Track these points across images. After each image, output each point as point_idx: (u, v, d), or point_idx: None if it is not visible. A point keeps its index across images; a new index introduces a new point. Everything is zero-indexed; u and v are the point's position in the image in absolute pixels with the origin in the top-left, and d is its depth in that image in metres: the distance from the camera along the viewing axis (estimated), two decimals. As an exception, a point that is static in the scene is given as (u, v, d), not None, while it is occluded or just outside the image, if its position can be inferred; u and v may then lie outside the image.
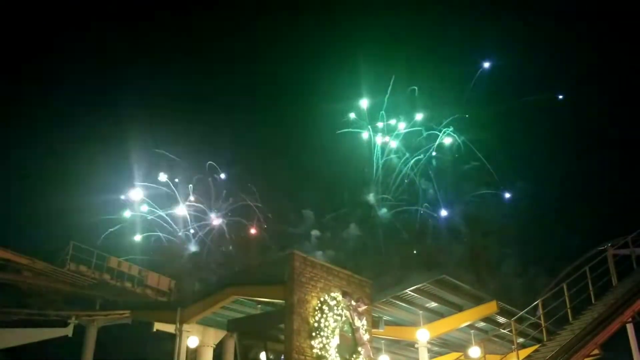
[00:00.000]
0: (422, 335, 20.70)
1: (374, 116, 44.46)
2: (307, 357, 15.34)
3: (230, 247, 41.92)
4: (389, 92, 42.97)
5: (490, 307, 20.35)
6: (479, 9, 46.08)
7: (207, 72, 51.62)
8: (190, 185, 43.78)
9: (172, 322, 19.17)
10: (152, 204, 42.01)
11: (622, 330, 17.74)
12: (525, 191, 41.09)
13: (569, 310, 17.21)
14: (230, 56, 52.53)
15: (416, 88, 42.99)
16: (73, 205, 37.98)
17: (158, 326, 20.11)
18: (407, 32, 45.49)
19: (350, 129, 44.49)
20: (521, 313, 19.51)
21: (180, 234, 42.00)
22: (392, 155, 43.44)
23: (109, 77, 47.99)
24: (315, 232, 42.15)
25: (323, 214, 43.69)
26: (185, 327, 19.11)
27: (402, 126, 43.22)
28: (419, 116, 42.68)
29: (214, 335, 21.04)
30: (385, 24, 48.38)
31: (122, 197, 41.82)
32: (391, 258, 37.86)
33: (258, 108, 49.61)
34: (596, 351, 20.04)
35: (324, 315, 16.05)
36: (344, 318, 16.74)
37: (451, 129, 42.63)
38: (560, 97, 41.21)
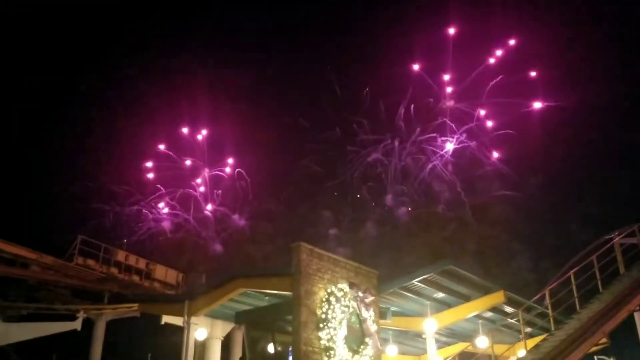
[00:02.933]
0: (430, 325, 20.72)
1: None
2: (315, 349, 15.39)
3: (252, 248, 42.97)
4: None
5: (497, 297, 20.32)
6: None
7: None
8: (220, 191, 45.25)
9: (180, 315, 19.24)
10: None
11: (630, 319, 17.75)
12: (536, 184, 41.18)
13: (576, 300, 17.21)
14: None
15: (432, 100, 43.98)
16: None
17: (166, 319, 20.22)
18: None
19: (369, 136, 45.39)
20: (529, 303, 19.51)
21: (203, 234, 43.11)
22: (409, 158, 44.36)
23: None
24: (333, 231, 43.08)
25: (342, 214, 44.59)
26: (194, 319, 19.18)
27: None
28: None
29: (222, 328, 21.12)
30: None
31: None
32: (407, 254, 38.43)
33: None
34: (604, 340, 20.06)
35: (331, 307, 16.09)
36: (351, 309, 16.78)
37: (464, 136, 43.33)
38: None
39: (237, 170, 45.46)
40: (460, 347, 24.24)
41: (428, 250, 38.83)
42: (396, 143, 44.24)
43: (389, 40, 44.70)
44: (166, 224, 42.54)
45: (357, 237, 42.17)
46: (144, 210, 42.52)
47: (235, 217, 44.67)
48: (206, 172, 45.58)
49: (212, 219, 44.18)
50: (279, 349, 19.19)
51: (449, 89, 43.39)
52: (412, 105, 43.87)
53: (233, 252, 42.81)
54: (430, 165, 43.28)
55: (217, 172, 45.88)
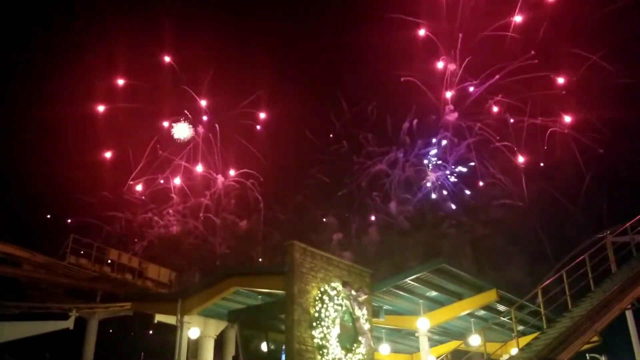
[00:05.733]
0: (423, 324, 20.77)
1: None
2: (308, 347, 15.39)
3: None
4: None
5: (490, 296, 20.39)
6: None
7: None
8: (233, 200, 46.18)
9: (173, 313, 19.18)
10: None
11: (622, 317, 17.82)
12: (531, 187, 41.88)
13: (568, 298, 17.26)
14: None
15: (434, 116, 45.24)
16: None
17: (159, 318, 20.16)
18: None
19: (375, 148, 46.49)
20: (521, 301, 19.57)
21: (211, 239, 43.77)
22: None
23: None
24: (337, 236, 43.95)
25: (348, 221, 45.54)
26: (186, 318, 19.12)
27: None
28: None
29: (215, 326, 21.11)
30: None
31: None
32: (409, 257, 39.12)
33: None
34: (595, 338, 20.13)
35: (325, 305, 16.09)
36: (344, 308, 16.79)
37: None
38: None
39: (250, 181, 46.36)
40: (452, 345, 24.33)
41: (429, 251, 39.50)
42: (400, 155, 45.61)
43: (393, 54, 45.38)
44: (174, 229, 43.17)
45: (361, 243, 43.14)
46: (155, 218, 43.20)
47: (244, 223, 45.57)
48: (219, 182, 46.38)
49: (220, 225, 44.92)
50: (272, 347, 19.18)
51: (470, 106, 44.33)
52: (416, 120, 45.44)
53: (235, 255, 43.51)
54: (432, 176, 44.31)
55: (230, 182, 46.75)
